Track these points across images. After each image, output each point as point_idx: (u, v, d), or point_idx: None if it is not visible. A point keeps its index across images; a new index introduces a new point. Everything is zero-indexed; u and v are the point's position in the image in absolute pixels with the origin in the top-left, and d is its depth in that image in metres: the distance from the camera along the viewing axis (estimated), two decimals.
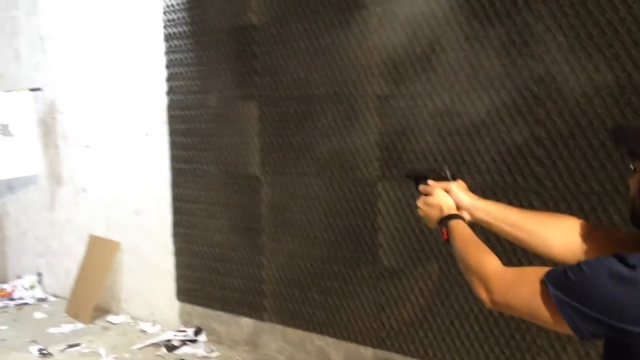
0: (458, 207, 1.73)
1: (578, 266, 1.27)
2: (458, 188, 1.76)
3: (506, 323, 3.07)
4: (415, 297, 3.41)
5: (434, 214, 1.74)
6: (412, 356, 3.44)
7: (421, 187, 1.81)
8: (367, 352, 3.65)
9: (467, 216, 1.72)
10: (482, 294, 1.44)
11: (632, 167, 1.39)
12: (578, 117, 2.81)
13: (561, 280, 1.28)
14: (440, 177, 1.78)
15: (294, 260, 3.95)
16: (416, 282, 3.40)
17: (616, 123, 1.73)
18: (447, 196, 1.74)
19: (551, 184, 2.91)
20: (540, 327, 2.89)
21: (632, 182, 1.39)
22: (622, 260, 1.23)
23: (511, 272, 1.42)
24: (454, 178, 1.78)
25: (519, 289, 1.36)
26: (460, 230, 1.64)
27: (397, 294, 3.48)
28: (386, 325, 3.54)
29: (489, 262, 1.47)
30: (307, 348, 3.95)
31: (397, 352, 3.51)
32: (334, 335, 3.79)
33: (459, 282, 3.22)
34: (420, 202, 1.79)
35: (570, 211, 2.85)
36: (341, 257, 3.71)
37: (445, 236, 1.69)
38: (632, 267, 1.21)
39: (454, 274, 3.23)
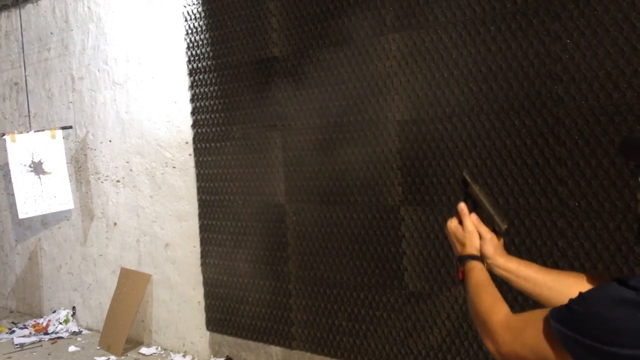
0: (481, 254, 1.67)
1: (580, 296, 1.22)
2: (491, 241, 1.67)
3: None
4: (442, 321, 3.39)
5: (457, 247, 1.69)
6: None
7: (462, 206, 1.73)
8: None
9: (486, 266, 1.67)
10: (490, 346, 1.38)
11: None
12: (599, 136, 2.80)
13: (564, 314, 1.23)
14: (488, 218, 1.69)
15: (320, 287, 3.96)
16: (442, 306, 3.39)
17: (625, 136, 1.57)
18: (477, 237, 1.67)
19: (575, 204, 2.89)
20: None
21: None
22: (623, 282, 1.18)
23: (517, 319, 1.37)
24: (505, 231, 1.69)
25: (525, 333, 1.30)
26: (477, 273, 1.59)
27: (424, 318, 3.47)
28: (414, 350, 3.52)
29: (496, 311, 1.42)
30: None
31: None
32: None
33: None
34: (452, 224, 1.72)
35: (595, 230, 2.83)
36: (367, 283, 3.72)
37: (460, 275, 1.64)
38: (633, 288, 1.16)
39: None
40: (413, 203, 3.47)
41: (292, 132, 4.02)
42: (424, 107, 3.38)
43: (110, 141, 5.38)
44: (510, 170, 3.09)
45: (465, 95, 3.22)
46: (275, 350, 4.29)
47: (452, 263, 3.33)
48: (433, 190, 3.38)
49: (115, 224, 5.43)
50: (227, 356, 4.56)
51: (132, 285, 5.16)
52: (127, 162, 5.23)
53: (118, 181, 5.35)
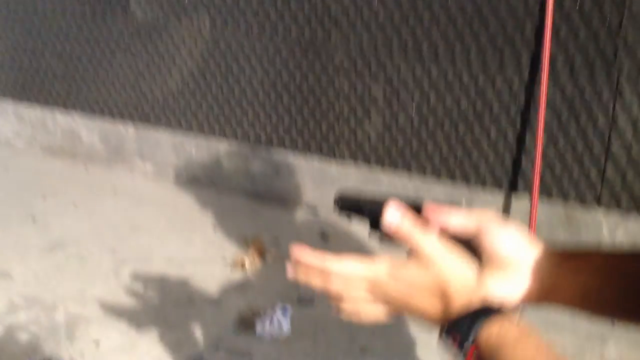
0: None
1: None
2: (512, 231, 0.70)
3: (298, 88, 2.54)
4: (184, 59, 2.71)
5: (427, 309, 0.68)
6: (182, 128, 2.83)
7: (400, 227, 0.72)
8: (128, 129, 2.97)
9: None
10: None
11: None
12: None
13: None
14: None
15: (24, 22, 2.96)
16: (182, 40, 2.68)
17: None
18: (461, 265, 0.67)
19: None
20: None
21: None
22: None
23: None
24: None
25: None
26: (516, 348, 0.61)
27: (160, 56, 2.75)
28: (148, 96, 2.85)
29: None
30: (50, 128, 3.17)
31: (164, 126, 2.87)
32: (83, 110, 3.03)
33: (237, 38, 2.56)
34: (371, 284, 0.69)
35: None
36: (86, 12, 2.81)
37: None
38: None
39: (230, 28, 2.55)
40: None
41: None
42: None
43: None
44: None
45: None
46: None
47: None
48: None
49: None
50: None
51: None
52: None
53: None
